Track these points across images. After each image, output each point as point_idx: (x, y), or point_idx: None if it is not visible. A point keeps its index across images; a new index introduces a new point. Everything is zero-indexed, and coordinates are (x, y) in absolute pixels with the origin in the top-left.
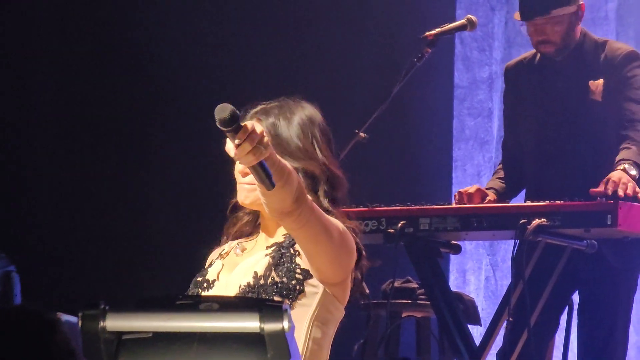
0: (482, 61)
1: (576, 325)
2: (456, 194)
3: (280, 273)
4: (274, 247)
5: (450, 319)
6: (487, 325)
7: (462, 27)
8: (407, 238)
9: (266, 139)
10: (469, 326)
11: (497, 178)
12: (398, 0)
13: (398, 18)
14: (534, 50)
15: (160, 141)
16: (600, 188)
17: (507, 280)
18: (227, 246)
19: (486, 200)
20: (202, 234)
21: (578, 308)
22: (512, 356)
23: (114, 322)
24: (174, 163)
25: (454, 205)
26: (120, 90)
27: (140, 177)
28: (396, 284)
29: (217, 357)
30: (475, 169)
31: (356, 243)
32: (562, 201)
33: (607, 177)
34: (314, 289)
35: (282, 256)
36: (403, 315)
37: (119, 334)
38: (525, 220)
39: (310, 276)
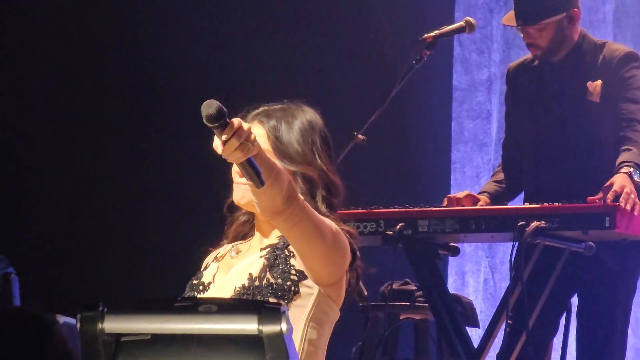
0: (481, 63)
1: (574, 327)
2: (445, 198)
3: (275, 274)
4: (269, 249)
5: (449, 321)
6: (486, 327)
7: (460, 30)
8: (405, 240)
9: (253, 135)
10: (468, 328)
11: (493, 181)
12: (397, 2)
13: (396, 20)
14: None
15: (159, 142)
16: (602, 195)
17: (506, 283)
18: (223, 249)
19: (478, 205)
20: (200, 235)
21: (577, 310)
22: (510, 359)
23: (113, 324)
24: (173, 164)
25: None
26: (119, 92)
27: (138, 178)
28: (394, 286)
29: (216, 359)
30: (474, 170)
31: (350, 243)
32: (560, 203)
33: (610, 181)
34: (309, 290)
35: (276, 257)
36: (401, 317)
37: (118, 335)
38: (523, 223)
39: (305, 277)
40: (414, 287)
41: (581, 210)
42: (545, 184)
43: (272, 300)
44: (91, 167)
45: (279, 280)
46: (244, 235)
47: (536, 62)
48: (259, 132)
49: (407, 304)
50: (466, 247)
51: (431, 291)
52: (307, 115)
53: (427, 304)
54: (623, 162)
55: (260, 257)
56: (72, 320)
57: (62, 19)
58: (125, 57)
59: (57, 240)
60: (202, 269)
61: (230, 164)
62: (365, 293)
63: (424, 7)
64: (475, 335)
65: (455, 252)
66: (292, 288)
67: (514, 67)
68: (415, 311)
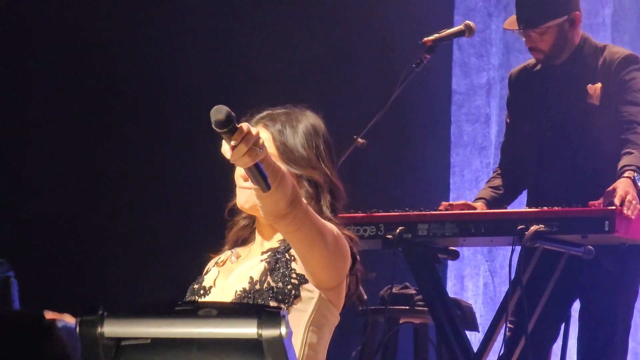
0: (480, 67)
1: (574, 332)
2: (441, 206)
3: (275, 278)
4: (270, 253)
5: (448, 325)
6: (485, 331)
7: (460, 33)
8: (405, 244)
9: (261, 140)
10: (467, 332)
11: (489, 187)
12: (396, 6)
13: (396, 24)
14: None
15: (159, 145)
16: (603, 200)
17: (506, 287)
18: (224, 255)
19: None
20: (201, 238)
21: (578, 315)
22: None
23: (112, 328)
24: (174, 167)
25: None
26: (120, 94)
27: (139, 181)
28: (394, 290)
29: None
30: (473, 174)
31: (350, 247)
32: (560, 207)
33: (613, 186)
34: (310, 293)
35: (277, 261)
36: (401, 321)
37: (118, 339)
38: (523, 226)
39: (306, 281)
40: (414, 291)
41: (580, 214)
42: (547, 187)
43: (272, 303)
44: (91, 169)
45: (280, 284)
46: (244, 240)
47: (538, 67)
48: (265, 136)
49: (407, 308)
50: (465, 251)
51: (430, 295)
52: (310, 119)
53: (426, 308)
54: (625, 165)
55: (261, 260)
56: (71, 324)
57: (62, 19)
58: (128, 61)
59: (57, 244)
60: (203, 274)
61: (233, 168)
62: (365, 297)
63: (423, 11)
64: (474, 339)
65: (455, 256)
66: (293, 292)
67: (516, 72)
68: (415, 315)
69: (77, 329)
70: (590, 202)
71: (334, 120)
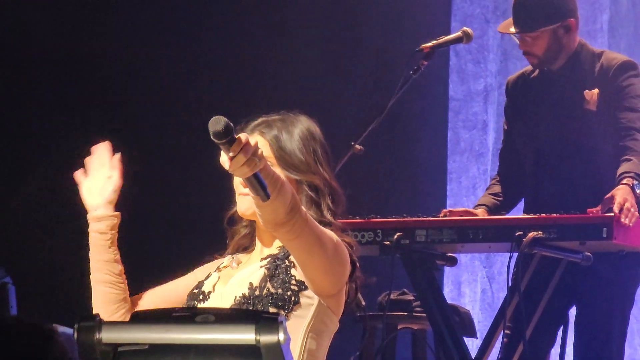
0: (477, 74)
1: (572, 338)
2: (441, 213)
3: (275, 284)
4: (269, 259)
5: (446, 331)
6: (483, 337)
7: (458, 40)
8: (403, 250)
9: (260, 150)
10: (465, 339)
11: (489, 194)
12: (393, 13)
13: (393, 31)
14: None
15: (158, 152)
16: (602, 207)
17: (504, 293)
18: (226, 260)
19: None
20: (201, 246)
21: (574, 321)
22: None
23: (110, 334)
24: (173, 173)
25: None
26: (119, 102)
27: (137, 188)
28: (392, 296)
29: None
30: (470, 181)
31: (350, 254)
32: (558, 214)
33: (611, 193)
34: (309, 300)
35: (277, 267)
36: (399, 327)
37: (115, 345)
38: (521, 233)
39: (306, 287)
40: (412, 297)
41: (579, 221)
42: (545, 194)
43: (272, 310)
44: None
45: (279, 290)
46: (245, 247)
47: (535, 73)
48: (261, 143)
49: (405, 313)
50: (462, 257)
51: (428, 301)
52: (306, 124)
53: (424, 314)
54: (624, 172)
55: (261, 266)
56: (69, 330)
57: (63, 20)
58: (129, 61)
59: (54, 250)
60: (203, 279)
61: (231, 175)
62: (363, 303)
63: (420, 18)
64: (473, 345)
65: (453, 262)
66: (292, 298)
67: (514, 79)
68: (413, 321)
69: (75, 335)
70: (589, 209)
71: (331, 127)
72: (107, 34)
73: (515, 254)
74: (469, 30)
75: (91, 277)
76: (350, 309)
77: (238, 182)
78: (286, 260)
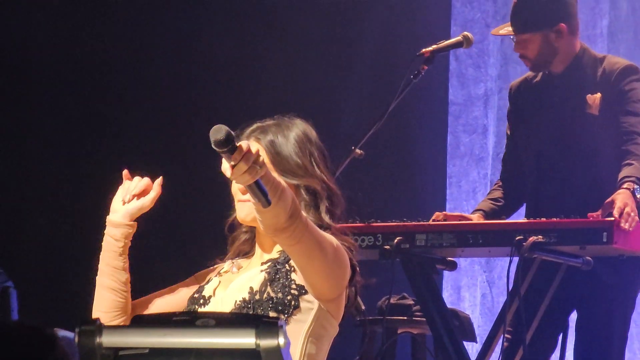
0: (478, 78)
1: (572, 343)
2: (434, 216)
3: (275, 289)
4: (270, 263)
5: (446, 335)
6: (483, 342)
7: (458, 44)
8: (403, 254)
9: (261, 158)
10: (465, 343)
11: (488, 199)
12: (393, 17)
13: (393, 35)
14: None
15: (158, 157)
16: (602, 211)
17: (504, 297)
18: (227, 265)
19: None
20: (201, 252)
21: (575, 325)
22: None
23: (111, 338)
24: (175, 178)
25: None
26: (119, 107)
27: None
28: (392, 301)
29: None
30: (470, 185)
31: (350, 259)
32: (558, 218)
33: (612, 198)
34: (309, 304)
35: (277, 272)
36: (399, 331)
37: (116, 349)
38: (521, 237)
39: (306, 292)
40: (412, 302)
41: (579, 225)
42: (546, 198)
43: (272, 314)
44: (91, 180)
45: (280, 295)
46: (245, 253)
47: (538, 78)
48: (257, 149)
49: (405, 318)
50: (462, 262)
51: (428, 305)
52: (301, 127)
53: (424, 319)
54: (625, 177)
55: (261, 271)
56: (70, 334)
57: (63, 20)
58: (129, 63)
59: (56, 254)
60: (203, 283)
61: (230, 181)
62: (363, 307)
63: (420, 22)
64: (472, 349)
65: (453, 266)
66: (293, 302)
67: (517, 84)
68: (413, 325)
69: (76, 339)
70: (589, 214)
71: (332, 131)
72: (106, 35)
73: (516, 259)
74: (469, 35)
75: (97, 279)
76: (350, 313)
77: (237, 189)
78: (286, 265)
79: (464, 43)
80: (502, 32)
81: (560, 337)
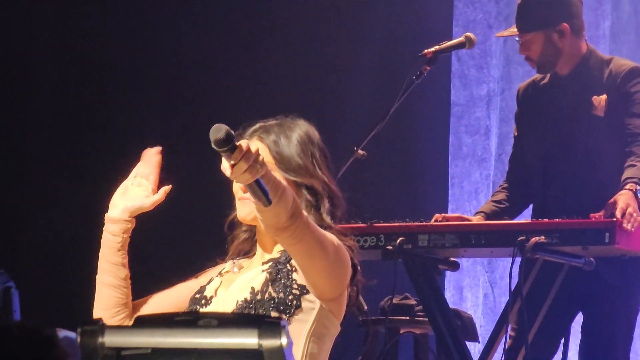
0: (480, 79)
1: (576, 343)
2: (434, 218)
3: (277, 288)
4: (271, 263)
5: (449, 335)
6: (485, 342)
7: (460, 45)
8: (405, 254)
9: (262, 157)
10: (467, 343)
11: (491, 201)
12: (396, 18)
13: (396, 36)
14: None
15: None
16: (604, 212)
17: (506, 298)
18: (229, 265)
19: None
20: (202, 252)
21: (581, 326)
22: None
23: (113, 338)
24: (175, 179)
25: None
26: (119, 109)
27: None
28: (395, 301)
29: None
30: (472, 186)
31: (351, 258)
32: (560, 219)
33: (614, 199)
34: (311, 304)
35: (278, 272)
36: (401, 331)
37: (118, 349)
38: (523, 238)
39: (307, 291)
40: (414, 302)
41: (581, 226)
42: (553, 199)
43: (274, 314)
44: (91, 180)
45: (281, 295)
46: (246, 252)
47: (545, 80)
48: (260, 148)
49: (407, 318)
50: (464, 262)
51: (431, 306)
52: (303, 128)
53: (427, 319)
54: (628, 178)
55: (263, 271)
56: (72, 334)
57: (63, 21)
58: (130, 64)
59: (57, 254)
60: (204, 283)
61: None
62: (365, 307)
63: (422, 23)
64: (475, 349)
65: (455, 267)
66: (294, 302)
67: (524, 86)
68: (415, 325)
69: (78, 339)
70: (591, 214)
71: (334, 132)
72: (106, 35)
73: (518, 259)
74: (471, 35)
75: (97, 277)
76: (352, 313)
77: (237, 188)
78: (287, 265)
79: (467, 44)
80: (506, 33)
81: (562, 338)
